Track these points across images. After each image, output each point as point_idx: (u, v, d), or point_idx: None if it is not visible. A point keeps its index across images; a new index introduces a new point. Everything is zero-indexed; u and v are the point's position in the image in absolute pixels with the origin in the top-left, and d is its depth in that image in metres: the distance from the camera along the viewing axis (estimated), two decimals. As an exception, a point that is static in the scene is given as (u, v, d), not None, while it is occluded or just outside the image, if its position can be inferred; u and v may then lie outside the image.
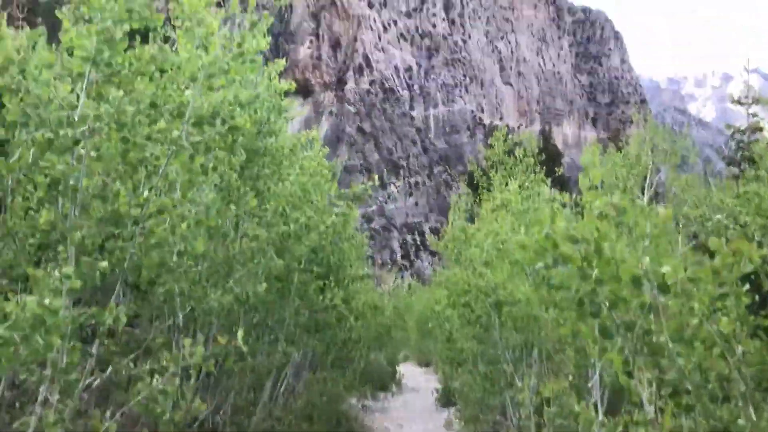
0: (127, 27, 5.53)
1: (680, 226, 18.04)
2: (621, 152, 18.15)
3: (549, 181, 16.84)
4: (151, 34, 8.97)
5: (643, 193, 19.36)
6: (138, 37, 7.07)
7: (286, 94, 13.21)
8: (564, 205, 16.19)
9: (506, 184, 16.34)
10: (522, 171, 15.93)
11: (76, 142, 5.87)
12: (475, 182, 18.58)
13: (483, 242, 12.62)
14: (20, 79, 5.09)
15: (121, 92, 6.25)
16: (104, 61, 5.51)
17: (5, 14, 12.55)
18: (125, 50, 6.29)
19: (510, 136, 16.92)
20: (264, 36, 11.32)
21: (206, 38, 7.93)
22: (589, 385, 6.78)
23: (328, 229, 10.41)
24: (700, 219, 16.58)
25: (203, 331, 7.69)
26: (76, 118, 5.89)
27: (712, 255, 3.20)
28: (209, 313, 7.38)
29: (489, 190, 17.18)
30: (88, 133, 5.99)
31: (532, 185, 15.10)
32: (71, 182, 5.80)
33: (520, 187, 14.32)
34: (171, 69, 6.35)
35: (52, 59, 5.50)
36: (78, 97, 6.02)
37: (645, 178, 19.11)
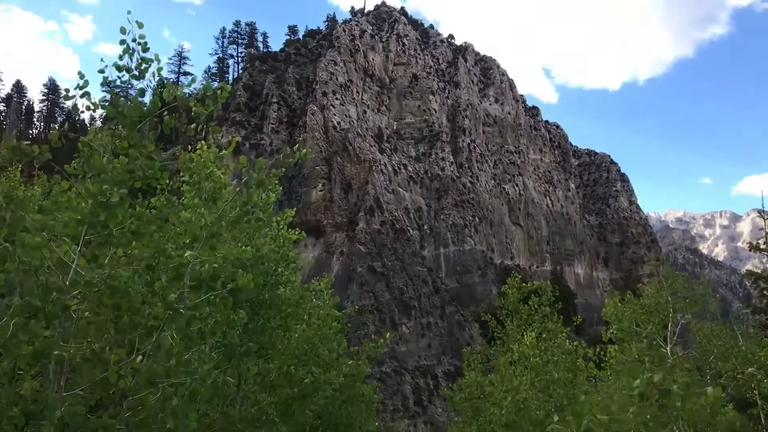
0: (125, 190, 5.32)
1: (709, 378, 17.13)
2: (639, 299, 17.64)
3: (567, 330, 16.25)
4: (158, 188, 8.78)
5: (666, 341, 18.60)
6: (142, 193, 6.87)
7: (296, 239, 12.96)
8: (586, 359, 15.44)
9: (522, 335, 15.72)
10: (538, 320, 15.38)
11: (65, 308, 5.49)
12: (490, 331, 17.94)
13: (502, 400, 11.83)
14: (6, 246, 4.81)
15: (120, 251, 5.96)
16: (100, 223, 5.25)
17: (19, 166, 12.50)
18: (128, 207, 6.08)
19: (523, 285, 16.50)
20: (275, 186, 11.19)
21: (214, 192, 7.71)
22: None
23: (335, 393, 9.74)
24: (732, 372, 15.75)
25: None
26: (67, 283, 5.56)
27: (745, 410, 2.75)
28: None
29: (504, 341, 16.52)
30: (80, 298, 5.64)
31: (549, 335, 14.49)
32: (56, 352, 5.37)
33: (536, 338, 13.73)
34: (173, 228, 6.10)
35: (46, 222, 5.24)
36: (72, 259, 5.72)
37: (666, 326, 18.43)
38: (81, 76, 5.73)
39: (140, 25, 5.93)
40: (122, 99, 5.64)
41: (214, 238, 6.16)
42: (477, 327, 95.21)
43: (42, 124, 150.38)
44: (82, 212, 5.28)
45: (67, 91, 5.68)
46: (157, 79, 6.08)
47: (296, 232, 11.53)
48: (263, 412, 8.49)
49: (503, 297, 16.28)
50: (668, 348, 17.62)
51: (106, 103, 5.80)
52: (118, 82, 6.01)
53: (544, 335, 14.44)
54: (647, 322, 17.36)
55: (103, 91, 6.11)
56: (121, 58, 5.83)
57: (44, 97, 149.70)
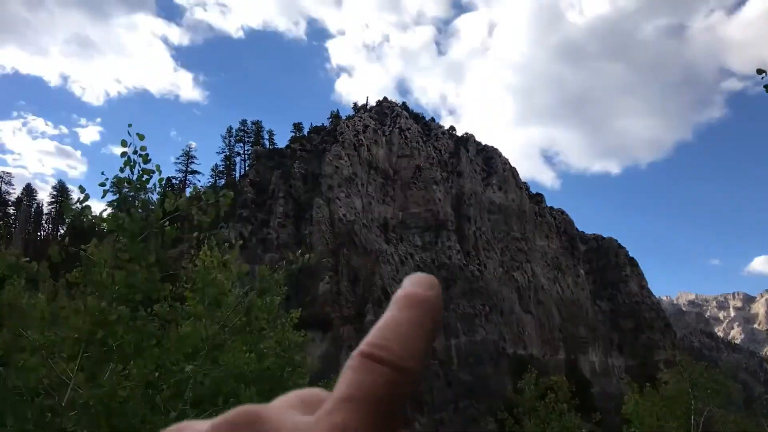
0: (123, 307, 5.18)
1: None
2: (658, 390, 17.07)
3: (586, 426, 15.64)
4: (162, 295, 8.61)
5: (690, 434, 17.83)
6: (145, 301, 6.71)
7: (302, 327, 12.57)
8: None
9: (541, 432, 15.19)
10: (555, 418, 14.84)
11: (61, 431, 5.25)
12: (507, 430, 17.32)
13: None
14: (0, 371, 4.63)
15: (119, 367, 5.75)
16: (98, 341, 5.08)
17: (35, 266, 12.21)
18: (128, 321, 5.91)
19: (540, 381, 16.05)
20: (280, 289, 10.97)
21: (217, 298, 7.54)
22: None
23: None
24: (763, 470, 14.99)
25: None
26: (63, 404, 5.34)
27: None
28: None
29: (522, 441, 15.98)
30: (79, 419, 5.40)
31: (568, 434, 14.00)
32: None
33: (555, 438, 13.26)
34: (172, 343, 5.92)
35: (43, 341, 5.08)
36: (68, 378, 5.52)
37: (690, 417, 17.74)
38: (82, 190, 5.70)
39: (141, 137, 5.95)
40: (121, 213, 5.59)
41: (216, 351, 5.96)
42: (493, 421, 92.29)
43: (51, 226, 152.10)
44: (80, 329, 5.12)
45: (67, 205, 5.65)
46: (158, 189, 6.05)
47: (302, 334, 11.26)
48: None
49: (520, 394, 15.75)
50: (693, 444, 16.90)
51: (106, 216, 5.74)
52: (119, 194, 5.96)
53: (562, 434, 13.88)
54: (669, 414, 16.71)
55: (108, 201, 6.08)
56: (122, 170, 5.82)
57: (53, 200, 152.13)
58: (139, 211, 5.69)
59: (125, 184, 5.74)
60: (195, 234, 6.12)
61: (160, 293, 5.79)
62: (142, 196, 5.81)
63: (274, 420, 0.38)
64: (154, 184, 5.87)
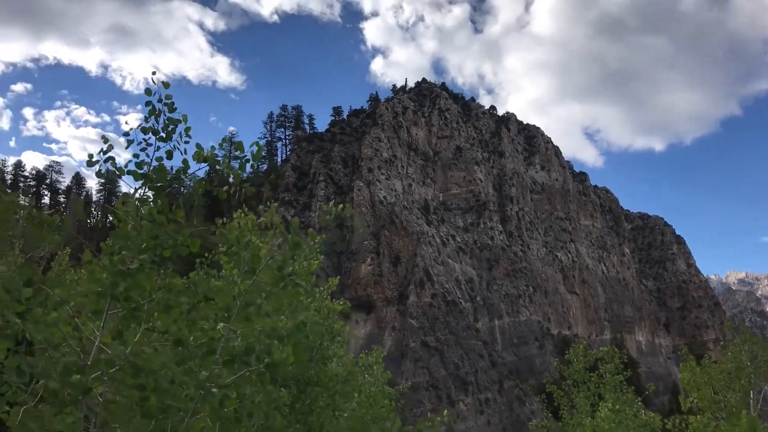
0: (146, 256, 4.87)
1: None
2: (717, 364, 16.37)
3: (639, 399, 15.10)
4: (197, 261, 8.29)
5: (748, 411, 17.09)
6: (179, 273, 6.39)
7: (344, 312, 12.28)
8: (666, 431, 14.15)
9: (592, 405, 14.69)
10: (610, 390, 14.30)
11: (87, 391, 5.00)
12: (555, 404, 16.85)
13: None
14: (18, 323, 4.37)
15: (143, 328, 5.47)
16: (122, 295, 4.78)
17: (68, 249, 12.12)
18: (155, 278, 5.61)
19: (589, 352, 15.49)
20: (316, 253, 10.58)
21: (253, 261, 7.22)
22: None
23: (389, 479, 8.93)
24: (832, 444, 14.22)
25: None
26: (89, 362, 5.09)
27: None
28: None
29: (572, 414, 15.45)
30: (104, 379, 5.15)
31: (623, 407, 13.42)
32: (74, 442, 4.82)
33: (610, 410, 12.72)
34: (204, 300, 5.62)
35: (65, 296, 4.81)
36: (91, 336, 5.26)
37: (748, 393, 17.01)
38: (105, 140, 5.42)
39: (166, 86, 5.62)
40: (147, 163, 5.28)
41: (250, 308, 5.63)
42: (538, 401, 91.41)
43: (100, 213, 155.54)
44: (103, 283, 4.82)
45: (90, 156, 5.35)
46: (185, 139, 5.71)
47: (340, 303, 10.95)
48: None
49: (568, 366, 15.23)
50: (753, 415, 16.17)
51: (132, 167, 5.42)
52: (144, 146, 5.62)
53: (617, 407, 13.31)
54: (727, 389, 16.03)
55: (128, 161, 5.74)
56: (146, 120, 5.50)
57: (101, 187, 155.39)
58: (165, 160, 5.38)
59: (150, 134, 5.42)
60: (225, 187, 5.76)
61: (190, 249, 5.45)
62: (168, 146, 5.48)
63: None
64: (181, 134, 5.54)
